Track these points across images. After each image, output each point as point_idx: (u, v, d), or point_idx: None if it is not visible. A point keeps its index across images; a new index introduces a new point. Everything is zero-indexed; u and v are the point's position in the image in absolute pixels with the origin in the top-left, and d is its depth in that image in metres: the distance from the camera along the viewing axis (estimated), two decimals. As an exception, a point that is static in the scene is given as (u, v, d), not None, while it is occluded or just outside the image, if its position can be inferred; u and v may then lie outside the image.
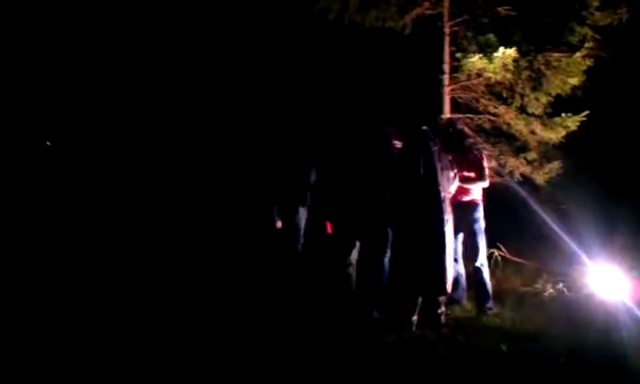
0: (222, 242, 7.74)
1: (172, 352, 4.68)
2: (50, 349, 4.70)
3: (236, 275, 6.98)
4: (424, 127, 5.66)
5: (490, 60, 6.86)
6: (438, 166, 5.51)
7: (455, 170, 5.85)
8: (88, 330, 5.13)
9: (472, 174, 6.11)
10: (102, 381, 4.18)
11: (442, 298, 5.48)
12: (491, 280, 7.31)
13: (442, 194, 5.45)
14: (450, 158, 5.83)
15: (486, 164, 6.25)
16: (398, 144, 5.85)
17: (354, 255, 5.78)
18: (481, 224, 6.16)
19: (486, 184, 6.23)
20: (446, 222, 5.41)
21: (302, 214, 7.02)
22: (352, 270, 5.79)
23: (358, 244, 5.78)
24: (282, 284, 6.54)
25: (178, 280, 6.83)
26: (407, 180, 5.48)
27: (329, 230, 6.02)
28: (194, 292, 6.44)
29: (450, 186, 5.71)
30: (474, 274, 6.11)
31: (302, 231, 6.99)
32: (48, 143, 10.89)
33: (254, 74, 9.92)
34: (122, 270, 7.17)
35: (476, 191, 6.17)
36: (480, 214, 6.16)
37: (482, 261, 6.15)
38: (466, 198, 6.12)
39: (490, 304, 6.18)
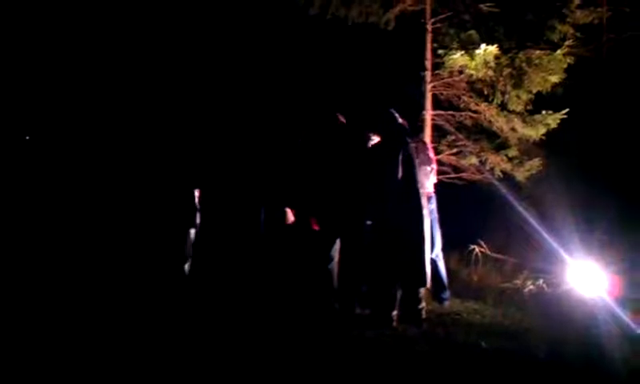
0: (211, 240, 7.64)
1: (163, 349, 4.64)
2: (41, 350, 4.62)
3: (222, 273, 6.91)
4: (400, 121, 5.65)
5: (472, 57, 6.88)
6: (416, 161, 5.52)
7: (433, 165, 5.87)
8: (82, 331, 5.05)
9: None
10: (100, 381, 4.12)
11: (423, 293, 5.48)
12: (472, 276, 7.42)
13: (420, 191, 5.46)
14: (428, 152, 5.85)
15: (434, 156, 6.26)
16: (375, 139, 5.83)
17: (335, 251, 5.77)
18: (435, 216, 6.17)
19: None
20: (424, 217, 5.42)
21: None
22: (333, 266, 5.79)
23: (338, 240, 5.77)
24: (263, 281, 6.49)
25: (164, 279, 6.73)
26: (385, 176, 5.47)
27: (314, 226, 5.98)
28: (181, 290, 6.37)
29: (427, 181, 5.72)
30: (430, 265, 6.08)
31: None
32: (27, 137, 10.75)
33: (234, 70, 9.85)
34: (107, 269, 7.05)
35: (429, 184, 6.14)
36: (434, 205, 6.16)
37: (437, 252, 6.17)
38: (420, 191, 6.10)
39: (446, 295, 6.25)
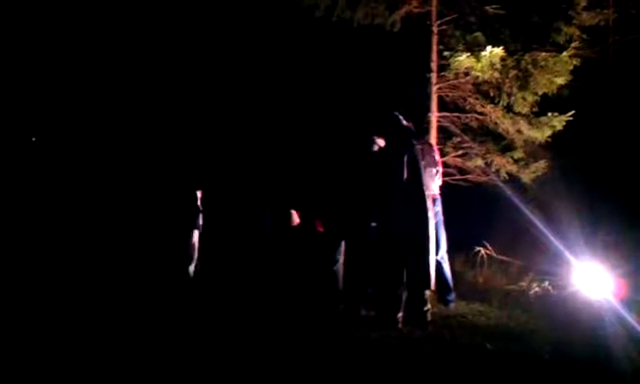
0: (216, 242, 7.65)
1: (168, 350, 4.65)
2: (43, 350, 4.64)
3: (227, 275, 6.93)
4: (405, 123, 5.65)
5: (478, 59, 6.88)
6: (422, 164, 5.51)
7: (438, 168, 5.87)
8: (86, 332, 5.06)
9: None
10: (101, 381, 4.13)
11: (428, 295, 5.49)
12: (478, 278, 7.41)
13: (425, 193, 5.46)
14: (434, 154, 5.86)
15: (439, 159, 6.25)
16: (380, 142, 5.84)
17: (340, 253, 5.79)
18: (440, 218, 6.16)
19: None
20: (429, 219, 5.42)
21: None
22: (339, 268, 5.80)
23: (343, 242, 5.79)
24: (270, 283, 6.51)
25: (167, 280, 6.75)
26: (390, 178, 5.47)
27: (319, 228, 6.01)
28: (185, 291, 6.39)
29: (432, 183, 5.72)
30: (435, 267, 6.06)
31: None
32: (33, 139, 10.80)
33: (238, 72, 9.87)
34: (111, 270, 7.06)
35: (434, 186, 6.13)
36: (439, 207, 6.16)
37: (442, 254, 6.18)
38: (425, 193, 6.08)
39: (451, 296, 6.25)
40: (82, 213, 8.95)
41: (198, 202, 6.89)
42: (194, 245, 6.81)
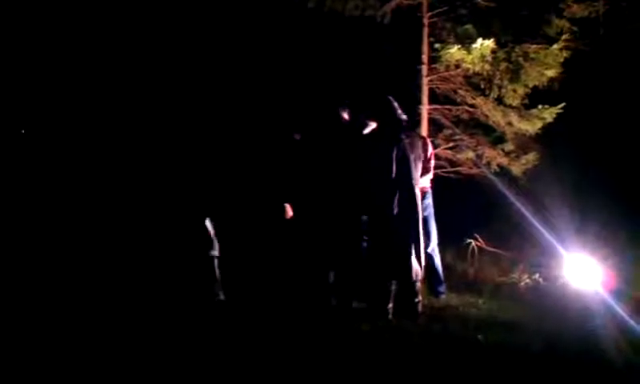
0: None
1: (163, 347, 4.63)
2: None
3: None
4: (399, 112, 5.64)
5: (469, 51, 6.88)
6: (411, 156, 5.50)
7: (431, 162, 5.88)
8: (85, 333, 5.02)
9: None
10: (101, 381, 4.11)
11: (419, 287, 5.50)
12: (468, 270, 7.44)
13: (414, 186, 5.46)
14: (427, 147, 5.86)
15: (432, 151, 6.25)
16: (371, 125, 5.81)
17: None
18: (431, 210, 6.17)
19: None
20: (417, 213, 5.43)
21: None
22: (330, 261, 5.80)
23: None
24: (261, 276, 6.47)
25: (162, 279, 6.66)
26: (380, 171, 5.47)
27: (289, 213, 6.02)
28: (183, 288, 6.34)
29: (422, 176, 5.72)
30: (426, 259, 6.06)
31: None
32: (22, 131, 10.72)
33: (231, 65, 9.80)
34: (110, 269, 6.96)
35: (425, 179, 6.07)
36: (429, 200, 6.15)
37: (433, 246, 6.19)
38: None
39: (442, 288, 6.28)
40: (74, 209, 8.85)
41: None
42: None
